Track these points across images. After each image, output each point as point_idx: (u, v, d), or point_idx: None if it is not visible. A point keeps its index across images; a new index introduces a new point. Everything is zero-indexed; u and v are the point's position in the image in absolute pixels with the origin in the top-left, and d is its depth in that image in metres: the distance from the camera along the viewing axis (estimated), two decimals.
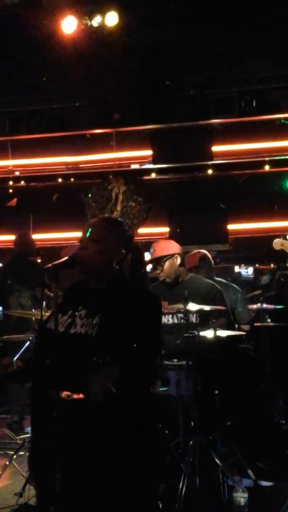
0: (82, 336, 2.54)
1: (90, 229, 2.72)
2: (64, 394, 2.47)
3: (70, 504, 2.43)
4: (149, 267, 5.24)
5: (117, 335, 2.50)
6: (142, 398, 2.65)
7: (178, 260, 4.73)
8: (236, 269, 11.33)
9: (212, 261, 6.06)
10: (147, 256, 9.34)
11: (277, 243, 5.05)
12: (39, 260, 6.78)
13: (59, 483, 2.39)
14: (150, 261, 4.78)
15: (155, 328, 2.70)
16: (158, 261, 4.71)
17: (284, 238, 5.21)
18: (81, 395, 2.45)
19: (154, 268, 4.81)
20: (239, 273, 11.37)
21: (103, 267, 2.68)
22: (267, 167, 9.12)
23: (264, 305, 6.13)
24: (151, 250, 4.78)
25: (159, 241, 5.05)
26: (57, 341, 2.51)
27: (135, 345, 2.48)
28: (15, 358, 2.70)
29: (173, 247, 4.76)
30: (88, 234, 2.70)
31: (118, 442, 2.46)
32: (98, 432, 2.44)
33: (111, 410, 2.44)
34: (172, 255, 4.70)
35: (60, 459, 2.40)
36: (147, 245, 9.32)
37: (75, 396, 2.47)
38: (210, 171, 9.32)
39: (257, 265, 10.52)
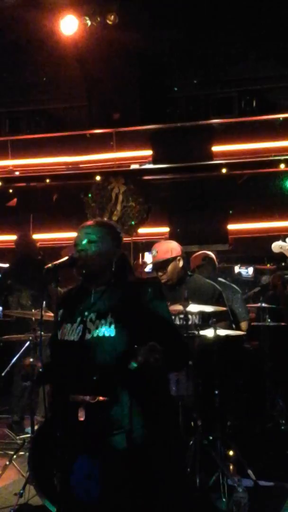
0: (102, 339, 2.55)
1: (86, 232, 2.74)
2: (89, 397, 2.51)
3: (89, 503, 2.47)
4: (149, 267, 5.22)
5: (135, 328, 2.52)
6: (164, 398, 2.70)
7: (181, 263, 4.69)
8: (236, 269, 11.32)
9: (216, 262, 6.06)
10: (149, 258, 9.34)
11: (276, 246, 5.04)
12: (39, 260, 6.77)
13: (59, 483, 2.41)
14: (154, 265, 4.72)
15: (167, 309, 2.76)
16: (161, 265, 4.65)
17: (283, 240, 5.20)
18: (105, 398, 2.49)
19: (156, 271, 4.76)
20: (239, 273, 11.36)
21: (102, 268, 2.70)
22: (267, 168, 9.12)
23: (264, 305, 6.13)
24: (153, 252, 4.70)
25: (161, 242, 4.96)
26: (70, 350, 2.57)
27: (155, 331, 2.53)
28: (15, 358, 2.71)
29: (176, 249, 4.69)
30: (85, 237, 2.71)
31: (145, 442, 2.49)
32: (122, 432, 2.47)
33: (135, 410, 2.48)
34: (175, 258, 4.66)
35: (81, 458, 2.47)
36: (147, 245, 9.39)
37: (100, 398, 2.50)
38: (210, 171, 9.33)
39: (260, 265, 10.52)
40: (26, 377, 5.00)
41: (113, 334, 2.54)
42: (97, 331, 2.57)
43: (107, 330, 2.55)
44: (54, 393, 2.65)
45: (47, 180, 9.92)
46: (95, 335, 2.57)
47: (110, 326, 2.56)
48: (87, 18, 7.46)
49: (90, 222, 2.83)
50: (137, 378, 2.47)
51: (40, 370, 4.06)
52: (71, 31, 7.50)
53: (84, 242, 2.70)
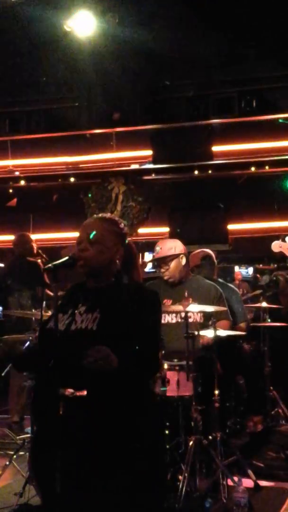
0: (83, 331, 2.54)
1: (88, 230, 2.72)
2: (67, 391, 2.48)
3: (71, 503, 2.44)
4: (149, 267, 5.23)
5: (118, 327, 2.50)
6: (145, 395, 2.66)
7: (184, 261, 4.71)
8: (236, 269, 11.33)
9: (216, 261, 6.04)
10: (150, 255, 9.32)
11: (275, 246, 5.04)
12: (39, 260, 6.77)
13: (59, 483, 2.39)
14: (156, 260, 4.75)
15: (155, 321, 2.71)
16: (163, 260, 4.69)
17: (283, 240, 5.20)
18: (84, 392, 2.46)
19: (159, 267, 4.78)
20: (239, 273, 11.37)
21: (104, 266, 2.69)
22: (267, 167, 9.13)
23: (264, 305, 6.13)
24: (157, 248, 4.73)
25: (165, 240, 4.99)
26: (58, 339, 2.52)
27: (135, 336, 2.50)
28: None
29: (179, 247, 4.73)
30: (86, 234, 2.70)
31: (121, 440, 2.46)
32: (101, 429, 2.44)
33: (114, 407, 2.45)
34: (178, 255, 4.68)
35: (62, 457, 2.41)
36: (147, 245, 9.39)
37: (78, 393, 2.47)
38: (210, 171, 9.33)
39: (260, 265, 10.52)
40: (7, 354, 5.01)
41: (94, 328, 2.53)
42: (81, 324, 2.56)
43: (90, 324, 2.55)
44: (37, 384, 2.62)
45: (47, 180, 9.93)
46: (78, 327, 2.56)
47: (94, 321, 2.55)
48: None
49: (90, 220, 2.81)
50: (113, 377, 2.44)
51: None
52: (71, 31, 7.50)
53: (86, 239, 2.69)
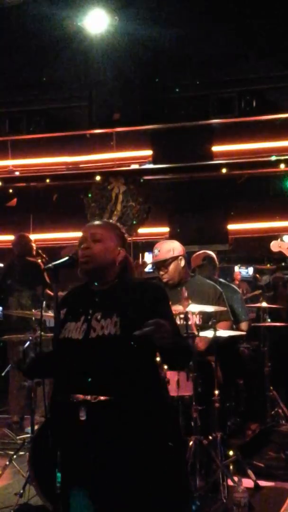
0: (107, 337, 2.55)
1: (91, 230, 2.74)
2: (91, 397, 2.51)
3: (99, 506, 2.48)
4: (149, 267, 5.23)
5: (141, 327, 2.52)
6: (163, 396, 2.71)
7: (183, 262, 4.70)
8: (236, 269, 11.33)
9: (217, 262, 6.05)
10: (149, 258, 9.32)
11: (274, 245, 5.04)
12: (39, 260, 6.77)
13: (59, 482, 2.41)
14: (155, 264, 4.74)
15: (171, 312, 2.76)
16: (162, 264, 4.67)
17: (281, 239, 5.21)
18: (108, 397, 2.49)
19: (158, 270, 4.77)
20: (239, 273, 11.37)
21: (107, 265, 2.70)
22: (267, 167, 9.12)
23: (264, 305, 6.13)
24: (155, 251, 4.72)
25: (163, 242, 4.97)
26: (74, 349, 2.57)
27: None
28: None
29: (178, 248, 4.71)
30: (90, 235, 2.72)
31: (144, 442, 2.49)
32: (125, 433, 2.47)
33: (138, 410, 2.49)
34: (176, 257, 4.67)
35: (83, 461, 2.47)
36: (147, 245, 9.39)
37: (101, 397, 2.50)
38: (210, 171, 9.33)
39: (260, 265, 10.53)
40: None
41: (118, 333, 2.54)
42: (102, 330, 2.57)
43: (112, 329, 2.55)
44: (55, 392, 2.64)
45: (47, 180, 9.93)
46: (100, 334, 2.56)
47: (115, 325, 2.55)
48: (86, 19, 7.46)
49: (95, 221, 2.85)
50: (139, 379, 2.48)
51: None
52: (71, 31, 7.50)
53: (90, 238, 2.70)
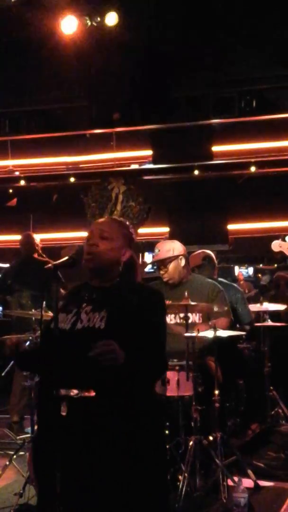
0: (90, 329, 2.54)
1: (100, 227, 2.75)
2: (72, 392, 2.48)
3: (72, 503, 2.44)
4: (149, 267, 5.24)
5: (126, 326, 2.51)
6: (149, 396, 2.67)
7: (183, 262, 4.72)
8: (236, 269, 11.34)
9: (216, 262, 6.06)
10: (150, 257, 9.31)
11: (275, 245, 5.06)
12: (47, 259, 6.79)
13: (59, 482, 2.39)
14: (155, 262, 4.77)
15: (160, 322, 2.72)
16: (162, 263, 4.70)
17: (283, 239, 5.21)
18: (91, 393, 2.46)
19: (158, 269, 4.80)
20: (241, 273, 11.38)
21: (111, 264, 2.71)
22: (267, 167, 9.12)
23: (264, 305, 6.13)
24: (156, 250, 4.76)
25: (164, 242, 5.00)
26: (61, 339, 2.52)
27: (141, 336, 2.50)
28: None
29: (178, 248, 4.74)
30: (97, 232, 2.72)
31: (125, 440, 2.46)
32: (106, 430, 2.44)
33: (120, 407, 2.45)
34: (177, 257, 4.69)
35: (63, 457, 2.40)
36: (147, 245, 9.39)
37: (85, 393, 2.47)
38: (210, 171, 9.33)
39: (260, 265, 10.54)
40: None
41: (102, 327, 2.53)
42: (88, 322, 2.56)
43: (98, 323, 2.55)
44: (41, 385, 2.63)
45: (47, 180, 9.92)
46: (85, 325, 2.56)
47: (102, 319, 2.55)
48: (87, 18, 7.45)
49: (102, 219, 2.86)
50: (120, 377, 2.43)
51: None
52: (71, 31, 7.48)
53: (98, 235, 2.71)
